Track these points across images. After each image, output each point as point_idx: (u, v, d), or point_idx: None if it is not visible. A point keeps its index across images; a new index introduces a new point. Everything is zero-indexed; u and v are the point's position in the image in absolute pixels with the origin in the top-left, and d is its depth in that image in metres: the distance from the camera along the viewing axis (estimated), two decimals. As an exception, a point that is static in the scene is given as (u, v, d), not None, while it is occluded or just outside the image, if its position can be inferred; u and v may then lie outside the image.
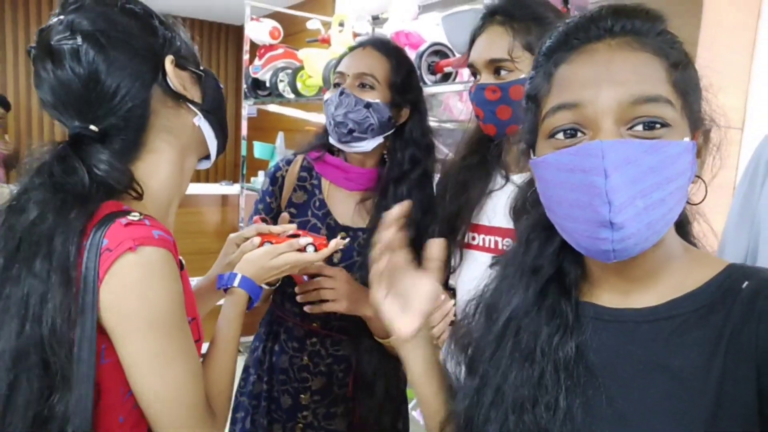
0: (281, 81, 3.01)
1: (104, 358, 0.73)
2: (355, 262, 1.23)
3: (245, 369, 1.37)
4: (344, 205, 1.28)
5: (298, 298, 1.19)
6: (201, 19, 6.10)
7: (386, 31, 2.40)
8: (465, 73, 2.02)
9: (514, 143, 1.01)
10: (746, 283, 0.55)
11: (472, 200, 1.12)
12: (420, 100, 1.27)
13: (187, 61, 0.85)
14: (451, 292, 1.22)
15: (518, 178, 1.08)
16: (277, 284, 1.20)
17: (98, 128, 0.77)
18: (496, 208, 1.08)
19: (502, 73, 1.02)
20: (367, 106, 1.19)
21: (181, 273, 0.78)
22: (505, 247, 1.07)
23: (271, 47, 3.14)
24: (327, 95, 1.24)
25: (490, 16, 1.05)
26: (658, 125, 0.54)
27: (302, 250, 1.05)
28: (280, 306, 1.30)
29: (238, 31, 6.24)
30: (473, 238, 1.14)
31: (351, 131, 1.20)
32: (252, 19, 3.30)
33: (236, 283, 0.97)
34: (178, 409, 0.74)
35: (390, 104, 1.21)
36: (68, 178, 0.74)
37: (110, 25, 0.77)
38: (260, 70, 3.13)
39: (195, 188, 3.91)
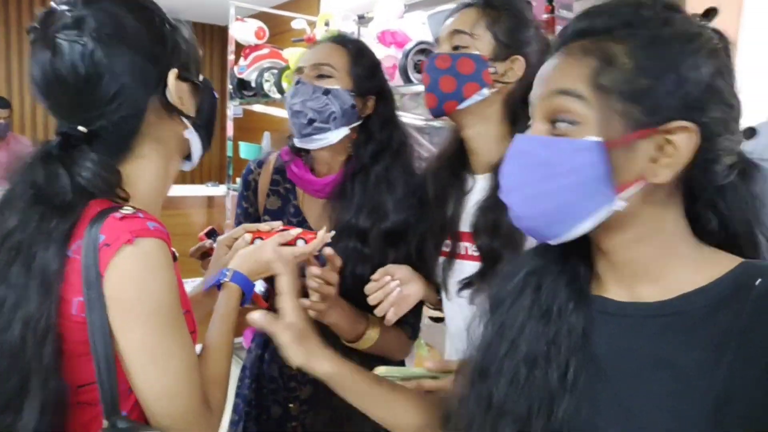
0: (267, 81, 3.00)
1: None
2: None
3: (243, 369, 1.33)
4: (317, 211, 1.23)
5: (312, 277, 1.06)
6: (185, 19, 6.04)
7: (372, 30, 2.40)
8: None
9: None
10: (759, 280, 0.54)
11: (451, 208, 1.11)
12: (385, 91, 1.22)
13: (189, 72, 0.84)
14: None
15: (482, 179, 1.07)
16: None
17: (87, 130, 0.76)
18: (469, 212, 1.07)
19: (459, 47, 1.02)
20: (326, 92, 1.12)
21: (174, 264, 0.78)
22: (474, 254, 1.06)
23: (257, 47, 3.12)
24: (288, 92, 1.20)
25: (467, 1, 1.06)
26: (564, 123, 0.58)
27: (292, 243, 1.04)
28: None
29: (222, 31, 6.20)
30: (457, 247, 1.11)
31: (311, 121, 1.13)
32: (237, 19, 3.28)
33: (228, 277, 0.96)
34: (175, 401, 0.74)
35: (352, 92, 1.15)
36: (50, 185, 0.73)
37: (121, 29, 0.75)
38: (245, 70, 3.11)
39: (181, 190, 3.88)
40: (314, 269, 1.03)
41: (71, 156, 0.75)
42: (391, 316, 1.06)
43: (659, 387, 0.56)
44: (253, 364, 1.29)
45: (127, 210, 0.74)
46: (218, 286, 0.97)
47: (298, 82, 1.16)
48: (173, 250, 0.79)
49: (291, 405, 1.24)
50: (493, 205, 1.00)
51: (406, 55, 2.05)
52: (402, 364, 1.28)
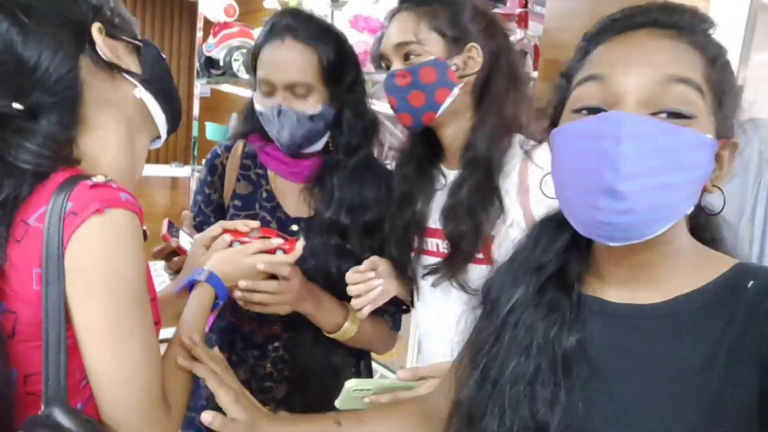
0: (236, 60, 2.92)
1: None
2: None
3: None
4: (293, 195, 1.22)
5: (240, 301, 1.05)
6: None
7: (345, 15, 2.36)
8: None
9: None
10: (752, 282, 0.55)
11: (421, 204, 1.10)
12: (357, 80, 1.20)
13: (120, 31, 0.79)
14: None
15: (452, 175, 1.06)
16: None
17: (24, 106, 0.71)
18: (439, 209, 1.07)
19: (411, 57, 1.00)
20: (311, 118, 1.13)
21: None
22: (445, 251, 1.05)
23: (226, 25, 3.04)
24: (258, 105, 1.15)
25: (398, 6, 1.04)
26: (683, 116, 0.53)
27: (272, 252, 1.01)
28: (233, 312, 1.21)
29: (191, 7, 6.01)
30: (425, 243, 1.11)
31: (301, 145, 1.16)
32: (206, -5, 3.18)
33: (203, 277, 0.93)
34: (130, 390, 0.70)
35: (329, 100, 1.15)
36: None
37: None
38: (214, 48, 3.02)
39: (144, 170, 3.76)
40: (241, 282, 0.99)
41: (12, 135, 0.70)
42: (366, 311, 1.06)
43: (655, 387, 0.57)
44: None
45: (99, 178, 0.69)
46: (190, 286, 0.94)
47: (279, 112, 1.11)
48: (145, 228, 0.74)
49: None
50: (460, 188, 1.01)
51: (378, 42, 2.02)
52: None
